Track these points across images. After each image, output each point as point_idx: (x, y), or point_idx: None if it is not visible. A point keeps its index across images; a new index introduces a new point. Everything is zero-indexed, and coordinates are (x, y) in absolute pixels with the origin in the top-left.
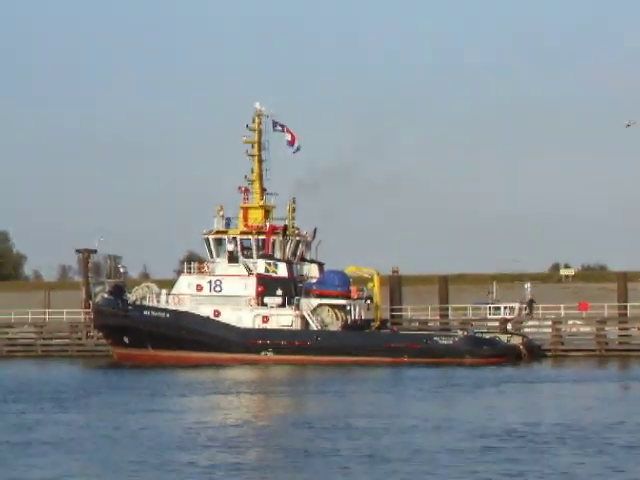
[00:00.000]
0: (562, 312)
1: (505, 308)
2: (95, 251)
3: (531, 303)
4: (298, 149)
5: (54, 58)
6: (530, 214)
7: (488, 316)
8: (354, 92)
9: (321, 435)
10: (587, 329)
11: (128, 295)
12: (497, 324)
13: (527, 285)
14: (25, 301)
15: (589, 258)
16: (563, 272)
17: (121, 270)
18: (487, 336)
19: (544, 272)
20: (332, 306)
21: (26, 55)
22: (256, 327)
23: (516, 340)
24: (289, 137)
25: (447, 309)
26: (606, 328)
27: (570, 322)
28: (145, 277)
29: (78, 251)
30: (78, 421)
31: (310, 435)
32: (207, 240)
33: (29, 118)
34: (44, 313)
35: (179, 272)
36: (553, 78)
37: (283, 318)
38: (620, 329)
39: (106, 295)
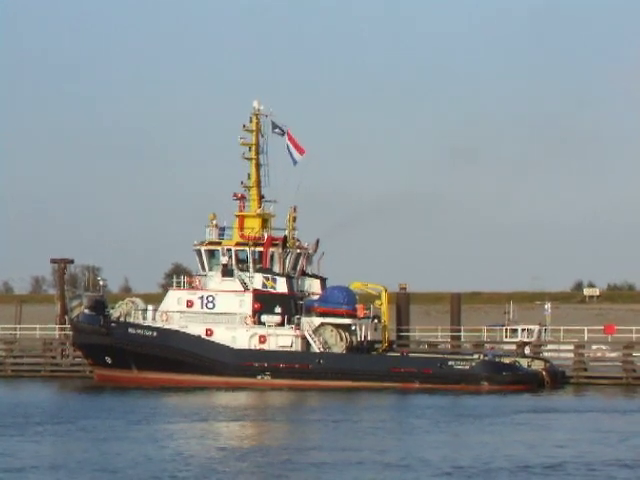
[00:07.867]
0: (585, 335)
1: (523, 330)
2: (72, 261)
3: None
4: (296, 162)
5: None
6: (551, 226)
7: (504, 339)
8: None
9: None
10: (613, 354)
11: (110, 311)
12: (514, 347)
13: (547, 305)
14: None
15: (615, 277)
16: (587, 292)
17: (100, 283)
18: (507, 360)
19: (566, 291)
20: (336, 326)
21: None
22: (252, 348)
23: (538, 365)
24: (292, 148)
25: (459, 330)
26: (634, 354)
27: (594, 347)
28: (126, 291)
29: (53, 261)
30: (41, 450)
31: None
32: (199, 252)
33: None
34: (14, 329)
35: (165, 286)
36: None
37: (282, 338)
38: None
39: (86, 310)
